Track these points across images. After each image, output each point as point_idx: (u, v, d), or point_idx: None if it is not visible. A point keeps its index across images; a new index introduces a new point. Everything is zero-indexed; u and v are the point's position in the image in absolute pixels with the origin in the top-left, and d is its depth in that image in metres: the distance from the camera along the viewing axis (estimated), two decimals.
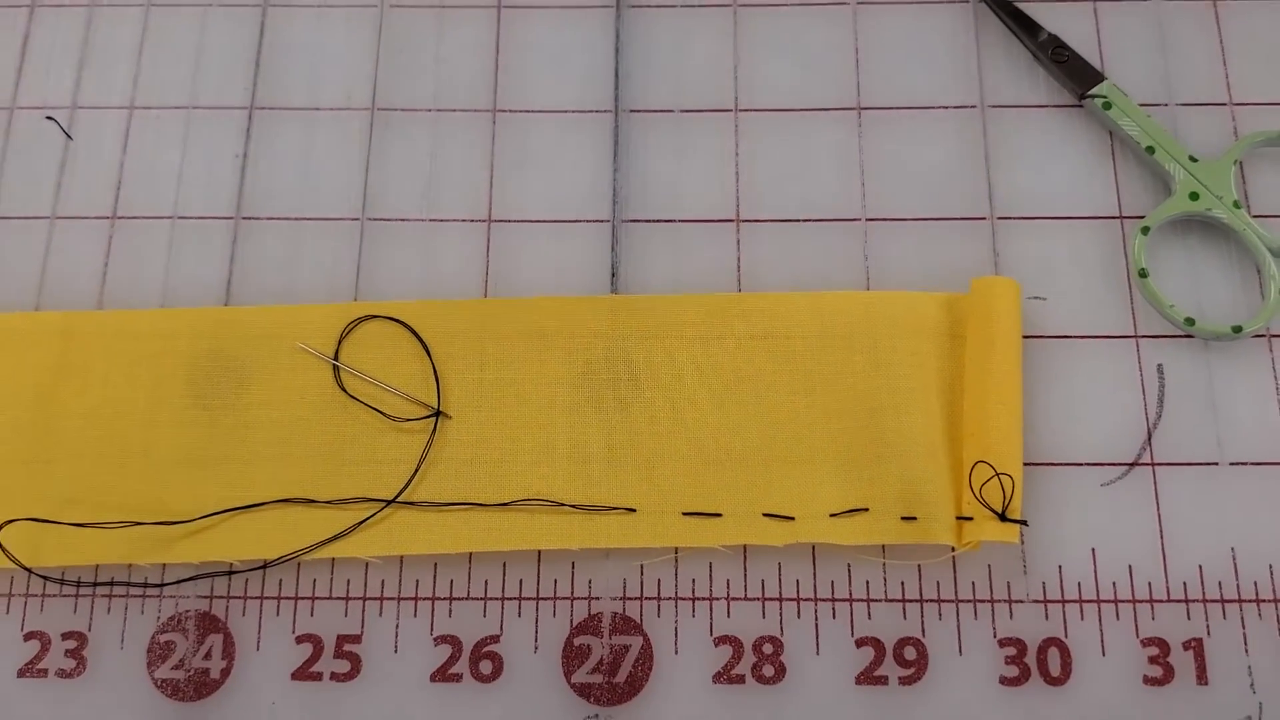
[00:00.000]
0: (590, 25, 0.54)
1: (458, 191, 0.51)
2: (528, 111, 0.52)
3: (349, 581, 0.45)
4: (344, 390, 0.47)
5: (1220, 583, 0.45)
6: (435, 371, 0.47)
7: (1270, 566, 0.45)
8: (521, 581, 0.45)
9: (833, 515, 0.45)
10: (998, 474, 0.44)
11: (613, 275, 0.49)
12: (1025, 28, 0.52)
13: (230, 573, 0.45)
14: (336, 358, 0.48)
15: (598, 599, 0.45)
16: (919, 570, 0.45)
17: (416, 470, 0.46)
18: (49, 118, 0.53)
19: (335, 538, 0.45)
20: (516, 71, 0.53)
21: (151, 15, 0.54)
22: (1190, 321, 0.47)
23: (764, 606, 0.45)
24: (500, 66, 0.53)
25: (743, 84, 0.52)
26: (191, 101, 0.53)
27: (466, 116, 0.52)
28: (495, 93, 0.53)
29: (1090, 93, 0.51)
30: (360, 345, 0.48)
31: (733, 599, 0.45)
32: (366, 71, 0.53)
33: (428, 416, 0.47)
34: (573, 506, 0.45)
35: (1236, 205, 0.49)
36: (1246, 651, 0.44)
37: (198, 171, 0.52)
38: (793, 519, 0.45)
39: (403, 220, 0.51)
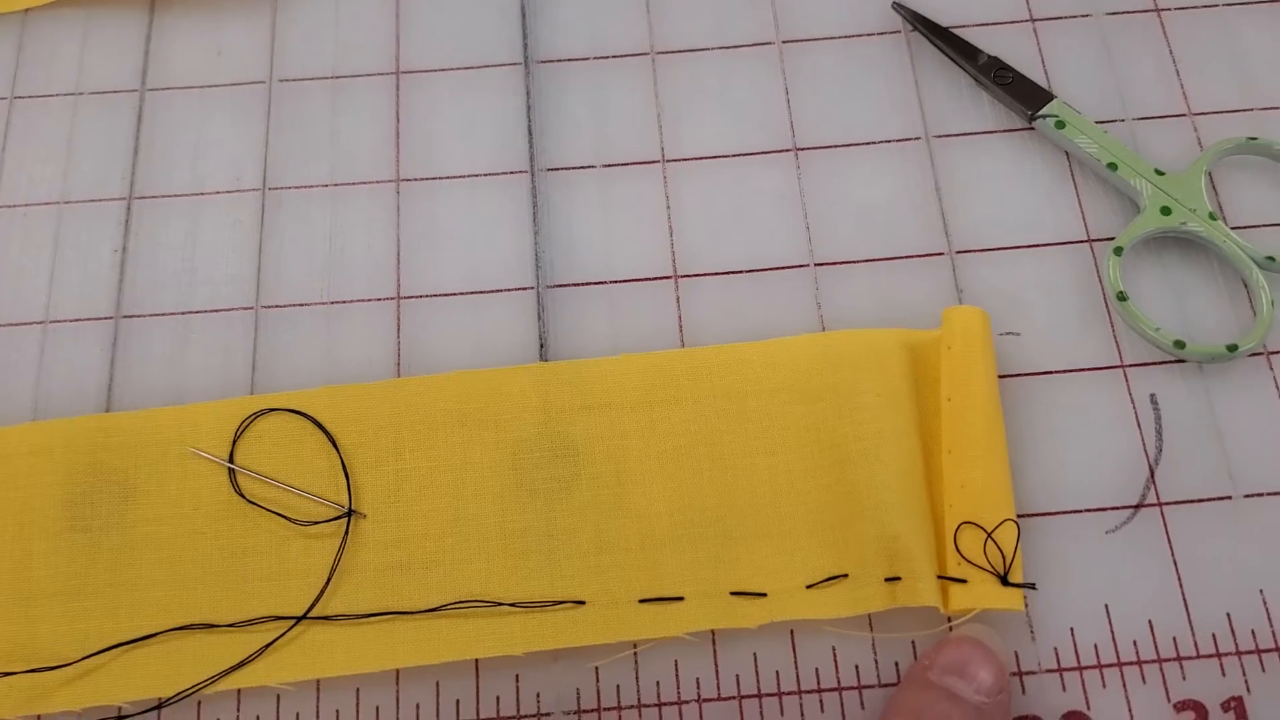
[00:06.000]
0: (497, 85, 0.49)
1: (361, 271, 0.46)
2: (434, 179, 0.48)
3: (258, 717, 0.39)
4: (242, 496, 0.41)
5: (1254, 630, 0.39)
6: (344, 466, 0.41)
7: None
8: (459, 702, 0.39)
9: (809, 586, 0.39)
10: (989, 535, 0.39)
11: (541, 345, 0.44)
12: (963, 52, 0.48)
13: (120, 718, 0.39)
14: (232, 460, 0.42)
15: (548, 715, 0.39)
16: (913, 647, 0.39)
17: (328, 581, 0.40)
18: None
19: (239, 665, 0.39)
20: (420, 139, 0.48)
21: (15, 109, 0.49)
22: (1180, 344, 0.43)
23: (741, 706, 0.39)
24: (401, 135, 0.48)
25: (668, 134, 0.48)
26: (63, 197, 0.47)
27: (367, 189, 0.47)
28: (398, 163, 0.48)
29: (1040, 113, 0.47)
30: (259, 444, 0.42)
31: (704, 700, 0.39)
32: (256, 151, 0.48)
33: (338, 518, 0.41)
34: (512, 605, 0.39)
35: (1213, 217, 0.44)
36: None
37: (71, 271, 0.46)
38: (765, 595, 0.39)
39: (301, 305, 0.45)
